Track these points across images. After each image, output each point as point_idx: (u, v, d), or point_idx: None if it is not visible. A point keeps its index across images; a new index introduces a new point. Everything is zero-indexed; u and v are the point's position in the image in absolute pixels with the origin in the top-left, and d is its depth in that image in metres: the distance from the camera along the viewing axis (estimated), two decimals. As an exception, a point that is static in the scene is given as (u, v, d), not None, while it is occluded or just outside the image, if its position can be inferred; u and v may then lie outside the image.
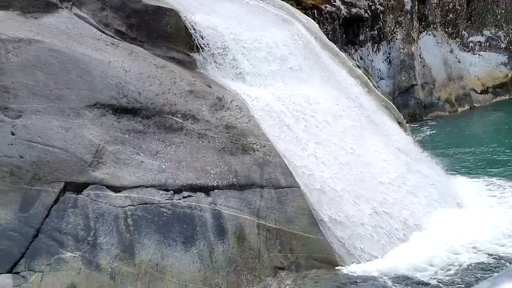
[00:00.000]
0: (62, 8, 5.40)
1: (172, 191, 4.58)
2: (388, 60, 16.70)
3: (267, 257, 4.65)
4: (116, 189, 4.37)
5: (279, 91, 6.18)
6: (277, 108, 5.88)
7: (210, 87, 5.62)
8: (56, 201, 4.12)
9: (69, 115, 4.52)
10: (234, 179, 4.91)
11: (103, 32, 5.48)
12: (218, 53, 6.10)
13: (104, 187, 4.33)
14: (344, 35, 15.80)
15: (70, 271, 3.87)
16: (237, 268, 4.46)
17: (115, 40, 5.40)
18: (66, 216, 4.08)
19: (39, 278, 3.77)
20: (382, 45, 16.65)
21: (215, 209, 4.64)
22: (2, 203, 3.92)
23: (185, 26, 5.98)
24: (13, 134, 4.20)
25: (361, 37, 16.24)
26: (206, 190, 4.74)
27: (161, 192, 4.54)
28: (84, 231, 4.07)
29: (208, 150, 5.00)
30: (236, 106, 5.55)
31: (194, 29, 6.03)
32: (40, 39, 4.84)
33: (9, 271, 3.76)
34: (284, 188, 5.05)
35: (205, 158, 4.93)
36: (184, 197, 4.59)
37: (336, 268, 4.75)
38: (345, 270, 4.70)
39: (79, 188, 4.25)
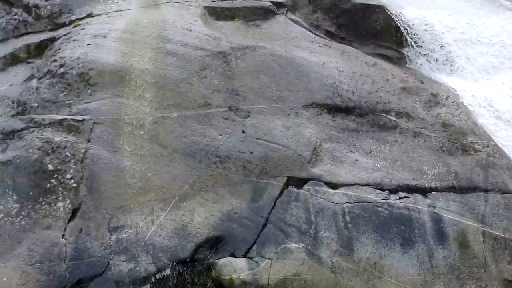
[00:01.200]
0: (279, 14, 5.80)
1: (388, 191, 4.53)
2: None
3: (494, 268, 4.24)
4: (333, 185, 4.50)
5: (501, 85, 5.58)
6: (500, 104, 5.31)
7: (423, 83, 5.39)
8: (280, 194, 4.44)
9: (289, 114, 4.83)
10: (454, 181, 4.60)
11: (315, 34, 5.72)
12: (430, 47, 5.81)
13: (322, 183, 4.51)
14: None
15: (295, 261, 4.14)
16: (459, 276, 4.18)
17: (327, 41, 5.58)
18: (289, 209, 4.37)
19: (268, 265, 4.12)
20: None
21: (434, 212, 4.42)
22: (237, 193, 4.40)
23: (394, 21, 5.84)
24: (243, 132, 4.67)
25: None
26: (423, 191, 4.55)
27: (377, 191, 4.52)
28: (306, 224, 4.30)
29: (424, 150, 4.79)
30: (453, 102, 5.20)
31: (404, 24, 5.85)
32: (262, 45, 5.28)
33: (244, 256, 4.19)
34: (513, 193, 4.55)
35: (421, 157, 4.74)
36: (400, 198, 4.49)
37: None
38: None
39: (299, 183, 4.51)
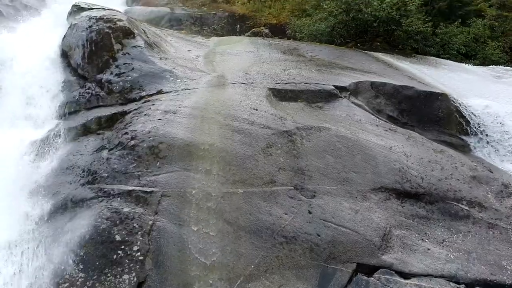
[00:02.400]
0: (342, 97, 5.91)
1: (464, 285, 4.24)
2: None
3: None
4: (405, 275, 4.26)
5: None
6: None
7: (492, 172, 5.24)
8: (349, 281, 4.22)
9: (356, 197, 4.72)
10: (537, 279, 4.28)
11: (378, 118, 5.75)
12: (496, 136, 5.72)
13: (393, 272, 4.27)
14: None
15: None
16: None
17: (391, 125, 5.58)
18: (359, 298, 4.11)
19: None
20: None
21: (518, 312, 4.07)
22: (304, 278, 4.20)
23: (458, 109, 5.84)
24: (310, 212, 4.56)
25: None
26: (503, 288, 4.24)
27: (452, 284, 4.23)
28: (379, 317, 4.01)
29: (500, 243, 4.54)
30: (526, 194, 4.99)
31: (467, 112, 5.83)
32: (327, 126, 5.32)
33: None
34: None
35: (498, 251, 4.48)
36: (478, 293, 4.18)
37: None
38: None
39: (369, 270, 4.28)
